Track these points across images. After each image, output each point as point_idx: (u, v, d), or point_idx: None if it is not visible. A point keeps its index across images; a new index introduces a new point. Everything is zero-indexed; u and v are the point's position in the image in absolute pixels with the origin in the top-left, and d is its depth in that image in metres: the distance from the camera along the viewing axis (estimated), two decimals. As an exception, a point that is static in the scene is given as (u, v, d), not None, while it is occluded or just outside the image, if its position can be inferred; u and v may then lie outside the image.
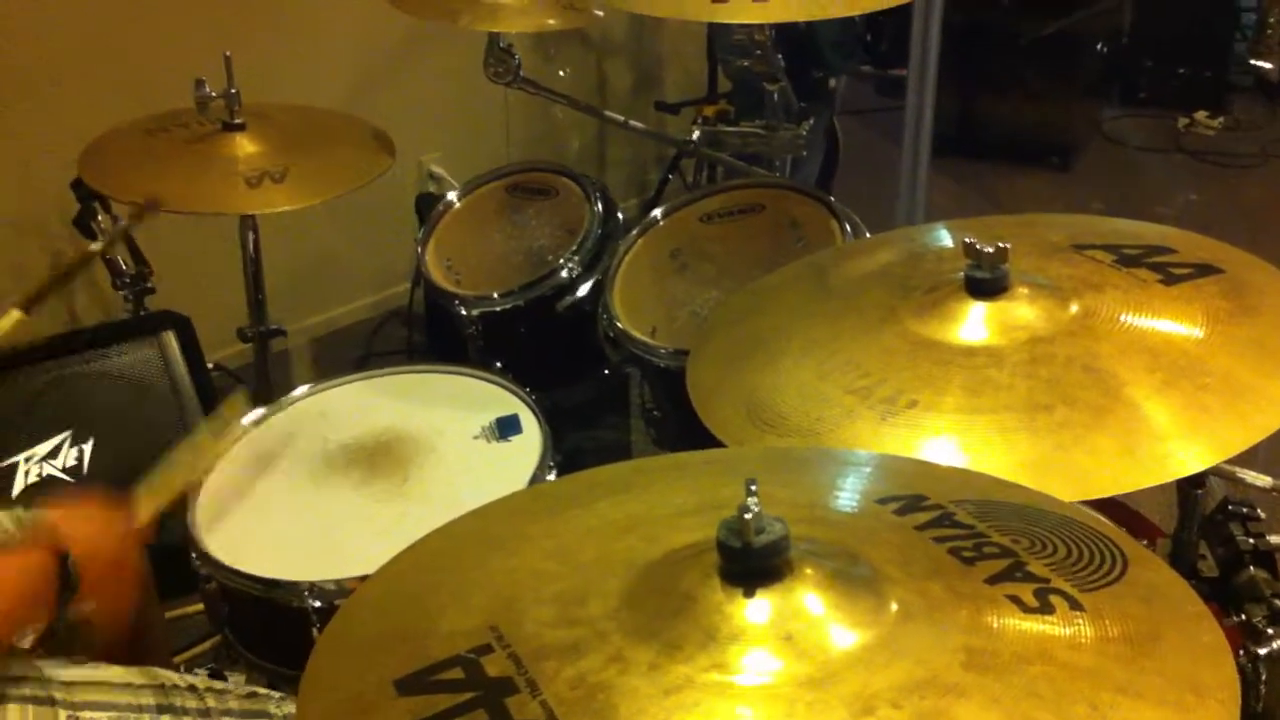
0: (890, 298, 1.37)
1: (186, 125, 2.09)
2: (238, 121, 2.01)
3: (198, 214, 1.98)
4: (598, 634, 0.83)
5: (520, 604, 0.88)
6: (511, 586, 0.90)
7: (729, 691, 0.77)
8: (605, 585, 0.88)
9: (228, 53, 1.98)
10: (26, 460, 2.15)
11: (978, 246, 1.29)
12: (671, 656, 0.80)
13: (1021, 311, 1.28)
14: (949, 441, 1.16)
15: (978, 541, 0.90)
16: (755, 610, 0.81)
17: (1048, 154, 4.16)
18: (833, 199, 1.89)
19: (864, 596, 0.83)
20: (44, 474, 2.13)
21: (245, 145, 2.01)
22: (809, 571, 0.84)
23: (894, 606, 0.83)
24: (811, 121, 2.10)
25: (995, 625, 0.81)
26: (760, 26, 1.93)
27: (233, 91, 2.00)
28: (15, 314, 1.61)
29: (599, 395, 2.07)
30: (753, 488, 0.83)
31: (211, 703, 1.31)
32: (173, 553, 1.63)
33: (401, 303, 3.21)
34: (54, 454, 2.15)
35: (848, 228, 1.83)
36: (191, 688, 1.32)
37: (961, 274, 1.30)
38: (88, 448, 2.18)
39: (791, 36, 1.97)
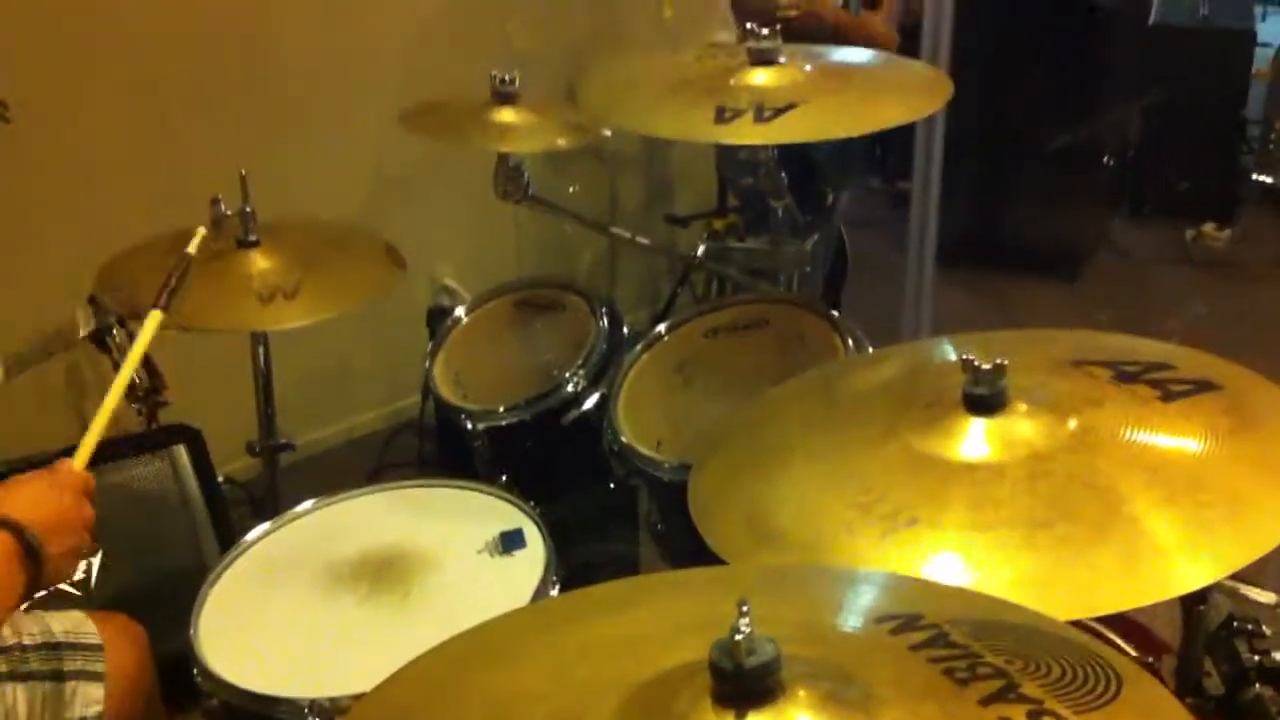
0: (891, 413, 1.37)
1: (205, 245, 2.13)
2: (252, 239, 2.05)
3: (210, 331, 2.00)
4: (590, 757, 0.83)
5: (513, 725, 0.87)
6: (506, 706, 0.90)
7: (720, 816, 0.77)
8: (599, 705, 0.87)
9: (243, 171, 2.03)
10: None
11: (975, 363, 1.30)
12: (663, 780, 0.80)
13: (1021, 427, 1.28)
14: (949, 558, 1.16)
15: (971, 662, 0.89)
16: (746, 733, 0.81)
17: (1056, 264, 4.19)
18: (836, 314, 1.91)
19: (856, 718, 0.83)
20: (53, 588, 2.14)
21: (259, 262, 2.04)
22: (801, 693, 0.83)
23: (887, 728, 0.82)
24: (816, 238, 2.13)
25: (988, 748, 0.81)
26: (763, 146, 1.97)
27: (247, 210, 2.04)
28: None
29: (607, 508, 2.08)
30: (744, 608, 0.83)
31: None
32: (176, 663, 1.64)
33: (413, 414, 3.23)
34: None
35: (850, 342, 1.85)
36: None
37: (961, 390, 1.31)
38: (95, 561, 2.19)
39: (790, 153, 2.00)
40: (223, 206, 2.02)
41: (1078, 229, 4.31)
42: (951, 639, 0.93)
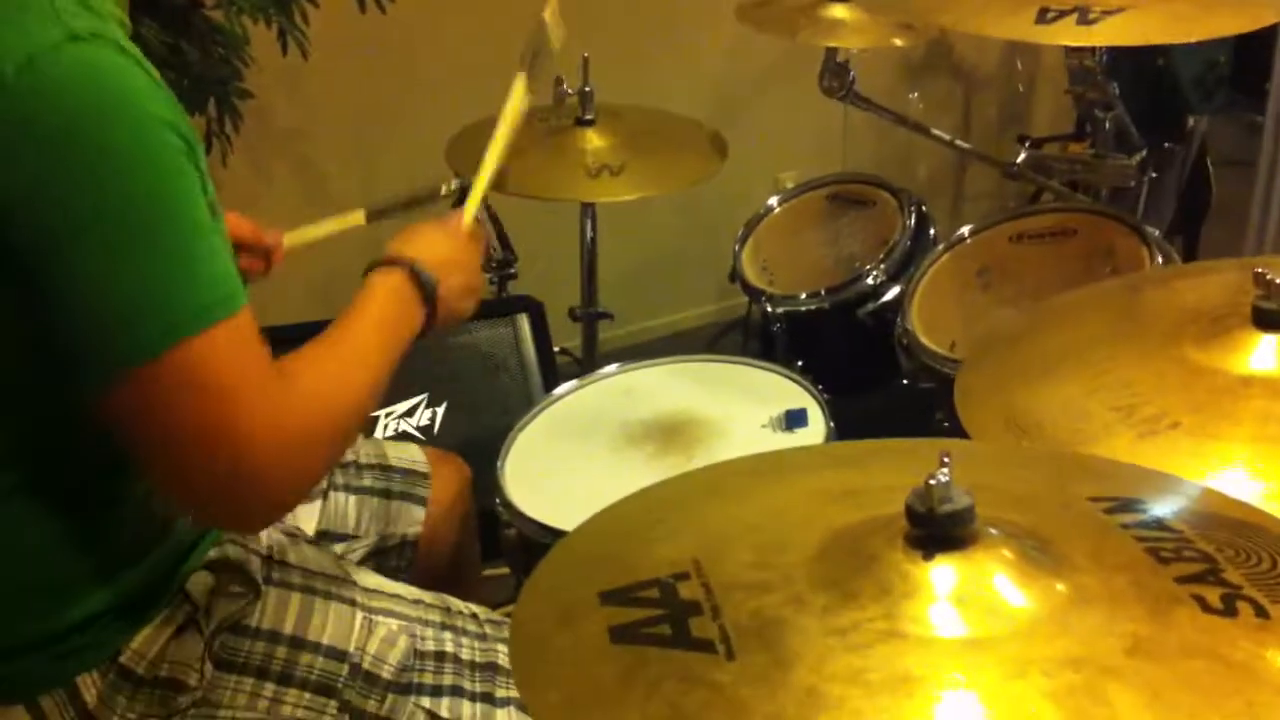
0: (1176, 323, 1.35)
1: (546, 120, 2.29)
2: (588, 118, 2.18)
3: (539, 199, 2.15)
4: (784, 578, 0.89)
5: (724, 545, 0.95)
6: (721, 530, 0.98)
7: (891, 639, 0.82)
8: (804, 540, 0.94)
9: (585, 54, 2.15)
10: (386, 415, 2.40)
11: (1267, 276, 1.25)
12: (845, 604, 0.85)
13: (1312, 346, 1.24)
14: (1206, 465, 1.15)
15: (1179, 545, 0.90)
16: (931, 573, 0.86)
17: None
18: (1151, 230, 1.85)
19: (1043, 576, 0.86)
20: (400, 429, 2.37)
21: (594, 140, 2.17)
22: (992, 547, 0.87)
23: (1071, 589, 0.85)
24: (1143, 154, 2.05)
25: (1171, 620, 0.82)
26: (1090, 52, 1.92)
27: (587, 89, 2.17)
28: (357, 215, 1.78)
29: (898, 404, 2.10)
30: (945, 459, 0.87)
31: (489, 630, 1.45)
32: (487, 517, 1.80)
33: (742, 313, 3.33)
34: (411, 413, 2.39)
35: (1160, 259, 1.79)
36: (474, 615, 1.47)
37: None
38: (440, 410, 2.40)
39: (1150, 70, 1.93)
40: (565, 86, 2.16)
41: None
42: (1166, 523, 0.94)
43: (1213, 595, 0.84)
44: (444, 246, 1.42)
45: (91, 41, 1.00)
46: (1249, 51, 2.78)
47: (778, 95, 3.38)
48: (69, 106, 0.98)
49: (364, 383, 1.22)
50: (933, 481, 0.86)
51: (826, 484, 1.05)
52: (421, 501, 1.68)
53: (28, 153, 0.98)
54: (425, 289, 1.35)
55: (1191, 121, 2.92)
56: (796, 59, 2.98)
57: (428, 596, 1.45)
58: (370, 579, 1.43)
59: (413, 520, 1.67)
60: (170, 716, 1.21)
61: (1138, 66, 2.16)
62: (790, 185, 3.44)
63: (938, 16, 1.85)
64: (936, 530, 0.87)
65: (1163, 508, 0.97)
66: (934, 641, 0.82)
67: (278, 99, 2.70)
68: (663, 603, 0.89)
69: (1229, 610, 0.83)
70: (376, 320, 1.29)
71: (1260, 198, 2.42)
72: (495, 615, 1.49)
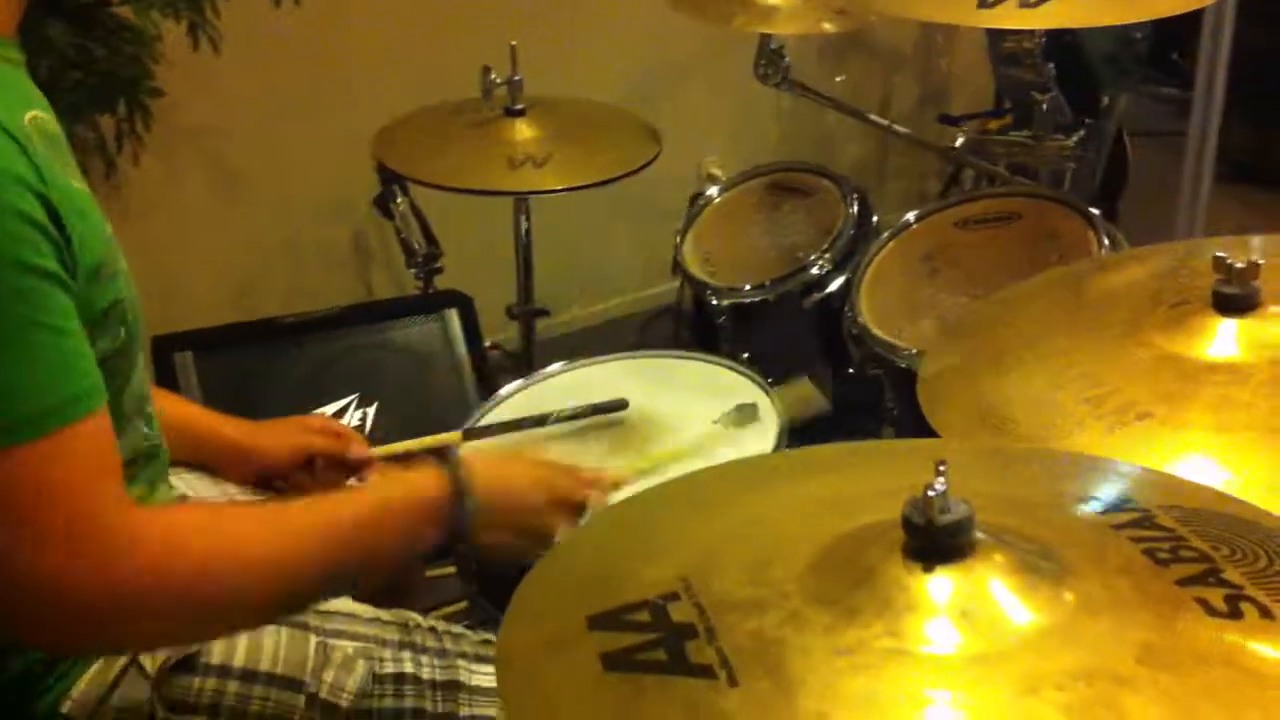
0: (1136, 310, 1.35)
1: (476, 111, 2.24)
2: (518, 108, 2.14)
3: (466, 192, 2.10)
4: (780, 595, 0.87)
5: (713, 561, 0.92)
6: (708, 545, 0.95)
7: (898, 657, 0.80)
8: (795, 552, 0.91)
9: (514, 43, 2.11)
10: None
11: (1228, 261, 1.25)
12: (848, 621, 0.83)
13: (1273, 330, 1.24)
14: (1176, 456, 1.14)
15: (1175, 545, 0.89)
16: (933, 586, 0.83)
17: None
18: (1094, 212, 1.85)
19: (1046, 584, 0.84)
20: (330, 431, 2.31)
21: (523, 130, 2.13)
22: (992, 554, 0.85)
23: (1075, 597, 0.83)
24: (1082, 134, 2.06)
25: (1178, 625, 0.81)
26: (1030, 35, 1.91)
27: (515, 79, 2.12)
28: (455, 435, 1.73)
29: (845, 394, 2.09)
30: (941, 468, 0.85)
31: (449, 645, 1.41)
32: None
33: (671, 300, 3.31)
34: (341, 414, 2.34)
35: (1106, 242, 1.80)
36: (433, 629, 1.42)
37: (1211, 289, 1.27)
38: (371, 411, 2.35)
39: (1060, 48, 1.93)
40: (493, 75, 2.11)
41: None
42: (1158, 522, 0.93)
43: (1215, 597, 0.83)
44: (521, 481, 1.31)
45: None
46: (1168, 28, 2.80)
47: (703, 82, 3.36)
48: None
49: (288, 562, 1.07)
50: (931, 492, 0.84)
51: (812, 491, 1.02)
52: None
53: None
54: (456, 519, 1.22)
55: (1107, 99, 2.94)
56: (723, 45, 2.96)
57: (384, 614, 1.41)
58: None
59: None
60: None
61: (1052, 43, 2.16)
62: (716, 171, 3.44)
63: (876, 3, 1.83)
64: (936, 542, 0.84)
65: (1153, 506, 0.95)
66: (942, 659, 0.80)
67: (189, 96, 2.62)
68: (655, 626, 0.86)
69: (1234, 613, 0.82)
70: (362, 518, 1.17)
71: (1190, 175, 2.45)
72: (454, 628, 1.45)
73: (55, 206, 0.97)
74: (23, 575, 0.94)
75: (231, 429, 1.50)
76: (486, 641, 1.43)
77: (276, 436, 1.53)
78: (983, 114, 3.50)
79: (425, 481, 1.22)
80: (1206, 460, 1.14)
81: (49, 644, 1.03)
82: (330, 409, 2.35)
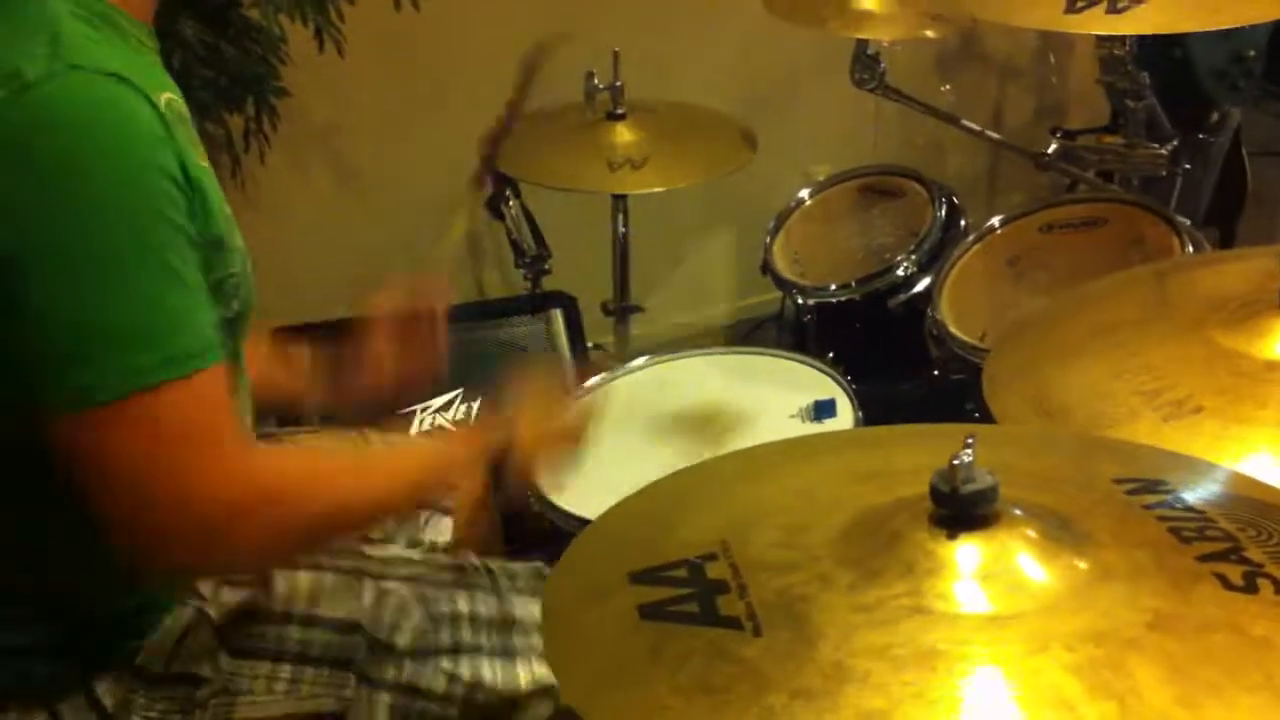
0: (1203, 308, 1.36)
1: (579, 115, 2.30)
2: (619, 112, 2.20)
3: (566, 190, 2.17)
4: (810, 557, 0.91)
5: (751, 526, 0.97)
6: (748, 511, 1.00)
7: (915, 615, 0.84)
8: (829, 520, 0.96)
9: (616, 49, 2.17)
10: (422, 410, 2.43)
11: (1294, 261, 1.26)
12: (870, 581, 0.87)
13: (1338, 332, 1.24)
14: (1228, 450, 1.15)
15: (1202, 525, 0.91)
16: (956, 551, 0.87)
17: None
18: (1181, 219, 1.85)
19: (1065, 553, 0.87)
20: (435, 424, 2.40)
21: (624, 134, 2.19)
22: (1015, 526, 0.88)
23: (1093, 565, 0.86)
24: (1175, 143, 2.05)
25: (1192, 596, 0.83)
26: (1120, 40, 1.92)
27: (617, 85, 2.18)
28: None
29: (928, 395, 2.11)
30: (969, 440, 0.88)
31: (504, 583, 1.44)
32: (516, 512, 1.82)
33: (776, 309, 3.34)
34: (446, 408, 2.41)
35: (1190, 250, 1.79)
36: (489, 569, 1.45)
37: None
38: (475, 405, 2.43)
39: (1167, 61, 1.92)
40: (595, 80, 2.18)
41: None
42: (1189, 504, 0.95)
43: (1234, 573, 0.85)
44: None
45: (92, 73, 1.01)
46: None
47: (808, 88, 3.38)
48: (58, 138, 1.00)
49: (350, 498, 1.21)
50: (956, 462, 0.88)
51: (852, 466, 1.07)
52: (447, 512, 1.66)
53: (11, 173, 0.99)
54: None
55: (1216, 115, 2.89)
56: (828, 51, 2.99)
57: (440, 557, 1.47)
58: (386, 552, 1.43)
59: (441, 530, 1.65)
60: (191, 711, 1.22)
61: (1153, 59, 2.15)
62: (821, 178, 3.46)
63: (966, 6, 1.85)
64: (960, 509, 0.88)
65: (1186, 489, 0.98)
66: (958, 617, 0.83)
67: (314, 96, 2.72)
68: (691, 582, 0.91)
69: (1249, 587, 0.84)
70: (414, 473, 1.31)
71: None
72: (510, 565, 1.48)
73: (190, 172, 1.06)
74: (163, 494, 1.04)
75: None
76: (539, 574, 1.46)
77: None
78: (1098, 129, 3.47)
79: (469, 447, 1.38)
80: (1262, 456, 1.15)
81: (179, 560, 1.10)
82: (437, 402, 2.43)
